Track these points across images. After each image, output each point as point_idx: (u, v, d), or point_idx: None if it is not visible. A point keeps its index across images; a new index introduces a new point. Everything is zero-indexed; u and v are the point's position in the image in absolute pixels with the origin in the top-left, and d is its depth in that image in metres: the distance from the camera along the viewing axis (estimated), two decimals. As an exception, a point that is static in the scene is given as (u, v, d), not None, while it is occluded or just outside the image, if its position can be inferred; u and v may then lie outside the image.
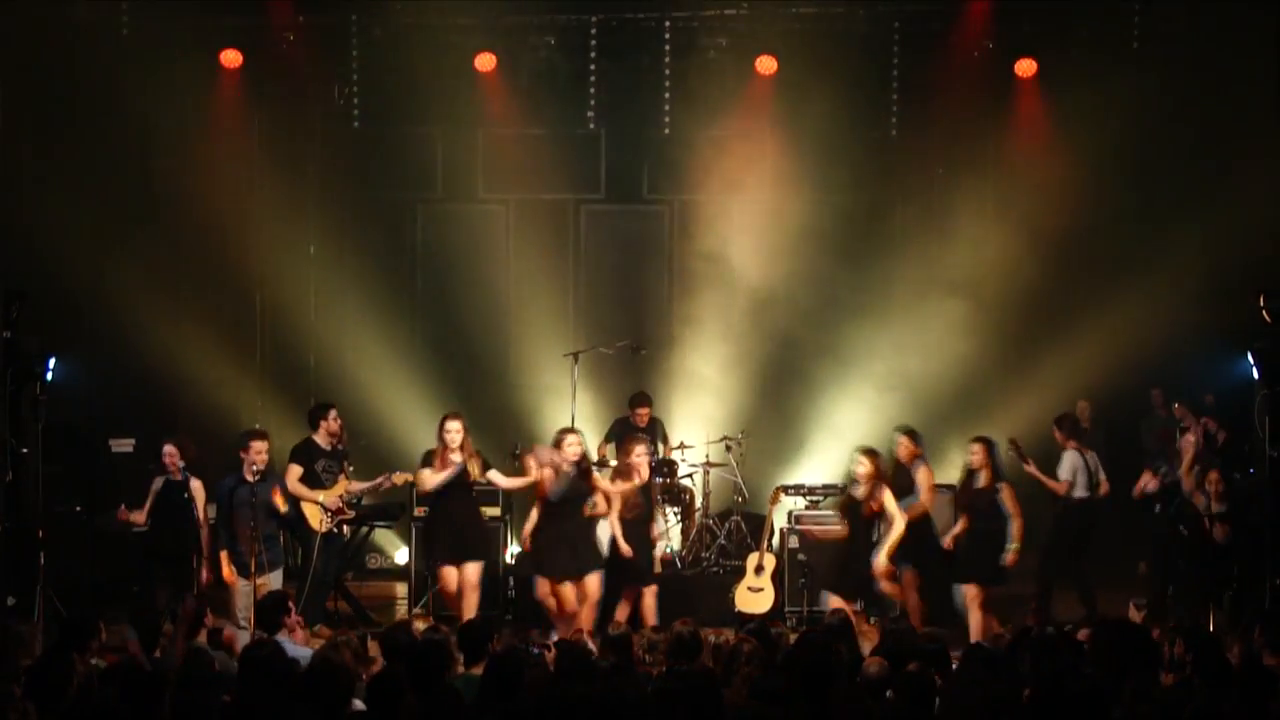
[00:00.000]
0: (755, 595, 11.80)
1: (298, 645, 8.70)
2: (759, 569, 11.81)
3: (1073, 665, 7.23)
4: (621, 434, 13.38)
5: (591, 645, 8.68)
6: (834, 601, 10.94)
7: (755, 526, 12.97)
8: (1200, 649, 7.46)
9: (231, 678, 7.17)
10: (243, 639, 9.23)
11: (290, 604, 9.02)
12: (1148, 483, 12.48)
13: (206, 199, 14.61)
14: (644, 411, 13.81)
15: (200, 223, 14.60)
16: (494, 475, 11.71)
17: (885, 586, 11.20)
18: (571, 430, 11.78)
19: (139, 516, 11.67)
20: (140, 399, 14.04)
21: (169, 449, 11.50)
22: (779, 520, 13.25)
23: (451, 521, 11.51)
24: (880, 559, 11.07)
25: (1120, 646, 7.39)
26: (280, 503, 11.20)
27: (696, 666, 7.35)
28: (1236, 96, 13.76)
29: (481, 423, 14.84)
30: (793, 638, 8.49)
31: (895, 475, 11.65)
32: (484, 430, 14.76)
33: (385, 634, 8.15)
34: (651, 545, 11.82)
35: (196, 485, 11.51)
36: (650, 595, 11.54)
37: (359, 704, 6.97)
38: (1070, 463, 12.42)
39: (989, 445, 11.47)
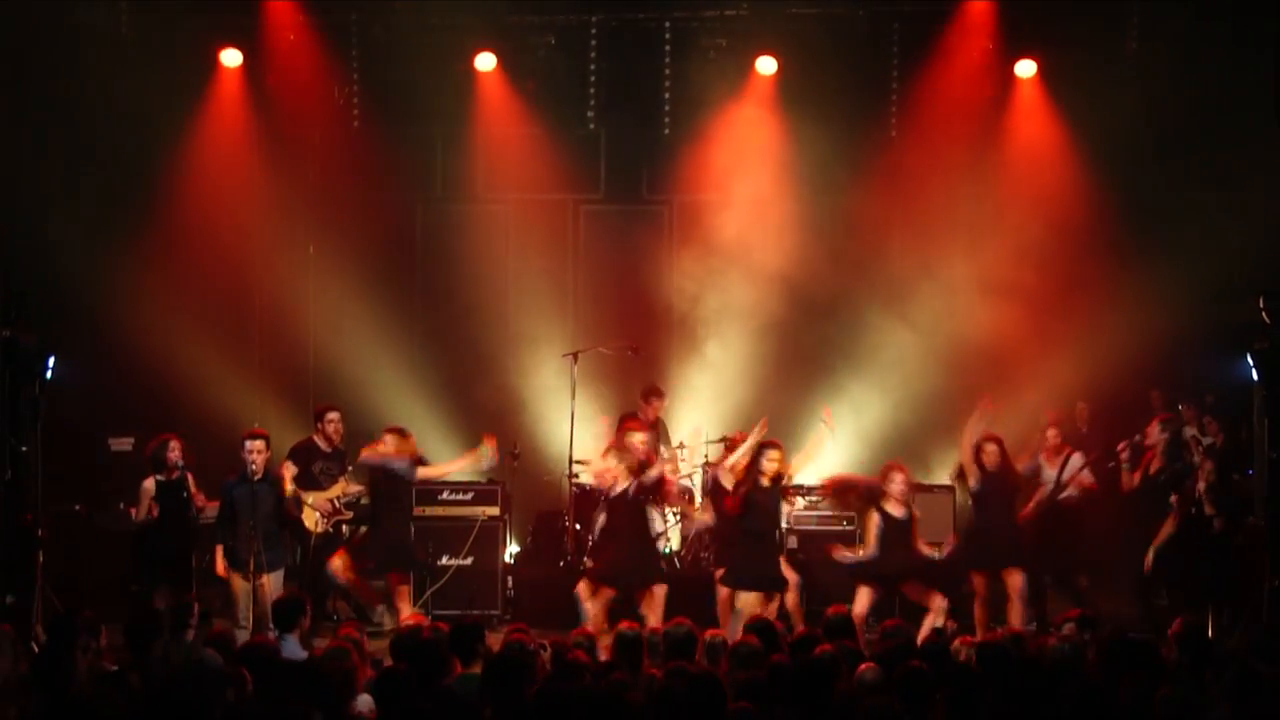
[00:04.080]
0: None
1: (298, 645, 8.73)
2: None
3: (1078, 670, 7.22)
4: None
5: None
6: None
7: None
8: (1195, 653, 7.46)
9: (226, 675, 7.16)
10: (241, 639, 9.24)
11: (309, 607, 9.10)
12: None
13: (206, 198, 14.63)
14: (658, 404, 13.72)
15: (200, 222, 14.61)
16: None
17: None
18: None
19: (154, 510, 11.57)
20: (139, 398, 14.05)
21: (175, 444, 11.48)
22: (777, 520, 13.26)
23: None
24: None
25: (1125, 654, 7.39)
26: (288, 480, 11.32)
27: (694, 666, 7.35)
28: (1235, 97, 13.74)
29: (480, 422, 14.90)
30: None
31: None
32: (483, 430, 14.79)
33: (396, 637, 8.17)
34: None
35: (192, 482, 11.52)
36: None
37: (362, 700, 6.98)
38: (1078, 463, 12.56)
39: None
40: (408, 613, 11.31)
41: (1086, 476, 12.53)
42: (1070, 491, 12.44)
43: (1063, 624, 8.67)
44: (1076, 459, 12.55)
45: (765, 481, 11.21)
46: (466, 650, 7.70)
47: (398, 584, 11.81)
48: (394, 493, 11.96)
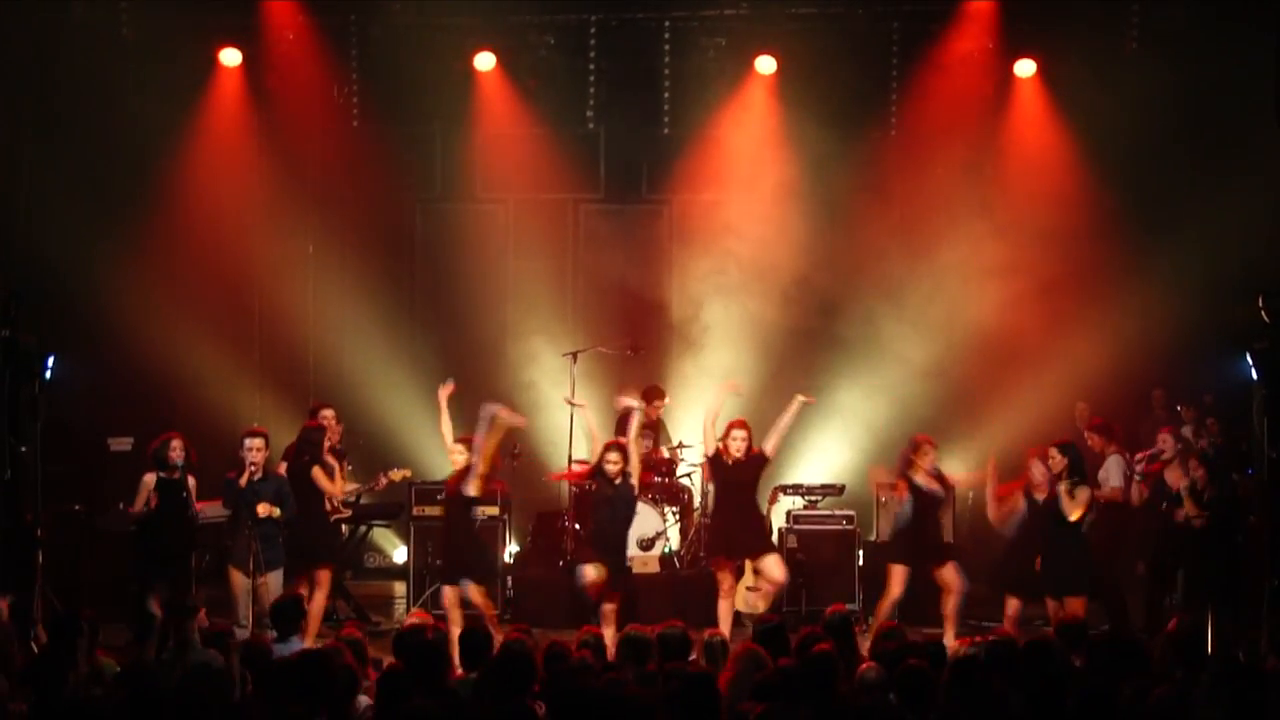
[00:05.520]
0: (754, 595, 11.81)
1: (302, 645, 8.73)
2: (757, 569, 11.81)
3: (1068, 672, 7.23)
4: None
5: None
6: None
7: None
8: (1190, 653, 7.46)
9: (227, 675, 7.17)
10: (241, 639, 9.24)
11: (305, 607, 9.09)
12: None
13: (205, 198, 14.64)
14: (659, 405, 13.73)
15: (199, 222, 14.62)
16: None
17: None
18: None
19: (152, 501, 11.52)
20: (138, 398, 14.05)
21: (176, 443, 11.45)
22: (777, 520, 13.27)
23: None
24: None
25: (1117, 655, 7.39)
26: (264, 510, 11.12)
27: (691, 666, 7.36)
28: (1236, 96, 13.75)
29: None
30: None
31: None
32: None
33: (398, 635, 8.16)
34: None
35: (192, 483, 11.51)
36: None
37: (364, 700, 6.99)
38: (1120, 468, 12.39)
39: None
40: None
41: (1115, 483, 12.38)
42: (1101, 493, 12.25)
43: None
44: (1113, 462, 12.45)
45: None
46: (476, 655, 7.67)
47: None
48: None
